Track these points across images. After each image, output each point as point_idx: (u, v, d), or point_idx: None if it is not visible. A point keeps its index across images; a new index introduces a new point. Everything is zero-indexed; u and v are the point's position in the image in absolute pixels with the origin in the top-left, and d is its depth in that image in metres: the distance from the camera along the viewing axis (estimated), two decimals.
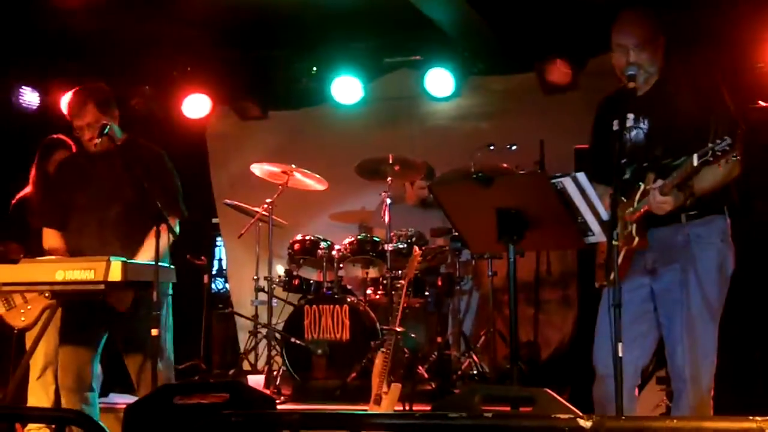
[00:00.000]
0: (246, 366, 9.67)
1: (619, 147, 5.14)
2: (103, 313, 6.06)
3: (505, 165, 8.94)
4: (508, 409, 4.90)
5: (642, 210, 5.33)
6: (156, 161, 6.42)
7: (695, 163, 4.93)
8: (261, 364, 9.56)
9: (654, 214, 5.29)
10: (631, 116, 5.38)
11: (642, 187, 5.36)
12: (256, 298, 9.59)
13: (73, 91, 6.44)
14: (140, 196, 6.05)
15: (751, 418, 2.95)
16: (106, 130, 6.09)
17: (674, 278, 5.41)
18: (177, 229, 6.29)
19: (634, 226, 5.39)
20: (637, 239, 5.39)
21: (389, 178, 8.99)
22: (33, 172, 7.94)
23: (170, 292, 6.38)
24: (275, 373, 8.89)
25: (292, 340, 8.83)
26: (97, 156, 6.29)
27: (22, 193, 7.98)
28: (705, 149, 4.86)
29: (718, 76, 5.47)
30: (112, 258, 5.63)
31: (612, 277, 4.90)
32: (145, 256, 6.04)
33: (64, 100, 10.00)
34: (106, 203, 6.17)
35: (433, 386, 8.54)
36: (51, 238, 6.46)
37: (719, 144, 4.81)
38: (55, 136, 8.00)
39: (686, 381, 5.36)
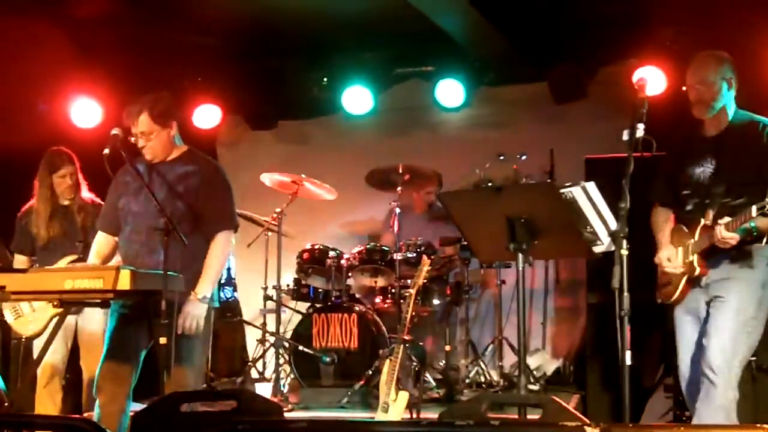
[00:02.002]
0: (254, 374, 9.66)
1: (628, 157, 5.23)
2: (148, 322, 6.05)
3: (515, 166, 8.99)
4: (516, 417, 4.90)
5: (707, 244, 5.72)
6: (209, 175, 6.39)
7: (753, 214, 5.39)
8: (269, 372, 9.55)
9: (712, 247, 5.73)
10: (641, 126, 5.40)
11: (702, 222, 5.79)
12: (265, 306, 9.58)
13: (136, 99, 6.41)
14: (188, 206, 6.10)
15: (759, 426, 2.95)
16: (118, 138, 6.08)
17: (722, 288, 5.84)
18: (233, 242, 6.32)
19: (696, 256, 5.80)
20: (699, 269, 5.82)
21: (399, 188, 9.00)
22: (36, 184, 7.91)
23: (215, 304, 6.42)
24: (283, 381, 8.88)
25: (300, 348, 8.83)
26: (153, 165, 6.29)
27: (27, 206, 7.96)
28: (763, 203, 5.34)
29: None
30: (121, 267, 5.63)
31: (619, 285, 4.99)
32: (209, 275, 6.12)
33: (76, 108, 10.15)
34: (157, 213, 6.13)
35: (441, 394, 8.54)
36: (101, 242, 6.48)
37: None
38: (56, 148, 7.97)
39: (715, 371, 5.69)
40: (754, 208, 5.37)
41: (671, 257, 5.96)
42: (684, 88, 6.02)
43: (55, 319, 6.18)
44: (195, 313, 6.04)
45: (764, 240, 5.74)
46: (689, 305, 5.99)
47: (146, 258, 6.07)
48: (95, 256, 6.40)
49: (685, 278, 5.88)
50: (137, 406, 6.76)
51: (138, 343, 6.19)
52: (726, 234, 5.57)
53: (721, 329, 5.74)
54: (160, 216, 5.95)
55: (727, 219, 5.59)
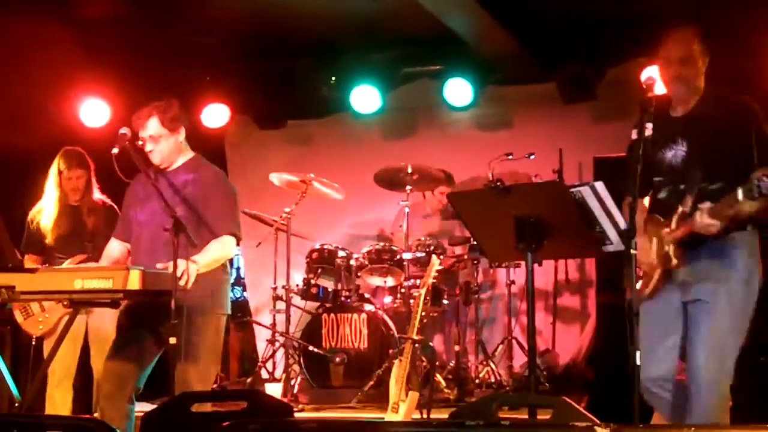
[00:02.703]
0: (264, 374, 9.66)
1: (638, 158, 5.18)
2: (158, 322, 6.05)
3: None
4: (526, 417, 4.90)
5: (686, 232, 5.41)
6: (212, 181, 6.39)
7: (740, 197, 5.04)
8: (279, 372, 9.56)
9: (693, 235, 5.39)
10: (650, 125, 5.37)
11: (680, 209, 5.44)
12: (274, 306, 9.58)
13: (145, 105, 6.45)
14: (191, 212, 6.10)
15: (765, 425, 2.94)
16: (125, 139, 6.10)
17: (704, 290, 5.49)
18: (234, 249, 6.32)
19: (672, 247, 5.47)
20: (675, 261, 5.48)
21: (408, 188, 9.01)
22: (47, 183, 7.93)
23: (227, 311, 6.43)
24: (293, 381, 8.89)
25: (310, 348, 8.84)
26: (160, 171, 6.31)
27: (37, 206, 7.97)
28: (749, 185, 4.97)
29: (755, 104, 5.56)
30: (131, 267, 5.64)
31: (633, 286, 4.96)
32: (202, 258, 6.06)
33: (85, 109, 10.18)
34: (162, 218, 6.16)
35: (451, 394, 8.54)
36: (112, 248, 6.50)
37: (765, 182, 4.92)
38: (67, 148, 7.99)
39: (703, 385, 5.40)
40: (740, 191, 5.05)
41: (645, 247, 5.56)
42: (658, 64, 5.73)
43: (65, 319, 6.18)
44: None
45: (748, 226, 5.49)
46: (662, 303, 5.62)
47: (151, 266, 6.08)
48: (105, 261, 6.44)
49: (659, 271, 5.56)
50: (146, 406, 6.78)
51: (144, 347, 6.21)
52: (708, 221, 5.25)
53: (707, 340, 5.43)
54: (165, 224, 5.97)
55: (708, 204, 5.27)
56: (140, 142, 6.24)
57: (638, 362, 4.86)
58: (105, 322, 7.46)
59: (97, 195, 7.89)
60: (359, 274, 9.26)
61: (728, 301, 5.45)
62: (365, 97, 10.68)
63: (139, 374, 6.21)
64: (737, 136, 5.44)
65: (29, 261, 7.73)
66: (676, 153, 5.60)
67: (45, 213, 7.79)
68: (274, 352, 9.55)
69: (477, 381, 9.06)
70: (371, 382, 8.44)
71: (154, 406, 4.72)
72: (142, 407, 6.37)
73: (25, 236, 7.84)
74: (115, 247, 6.49)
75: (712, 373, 5.42)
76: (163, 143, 6.26)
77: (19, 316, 7.43)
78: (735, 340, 5.48)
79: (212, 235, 6.13)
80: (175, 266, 5.71)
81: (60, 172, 7.81)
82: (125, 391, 6.16)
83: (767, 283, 5.67)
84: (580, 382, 9.41)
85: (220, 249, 6.15)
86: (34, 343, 7.50)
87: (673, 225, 5.47)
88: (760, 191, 4.94)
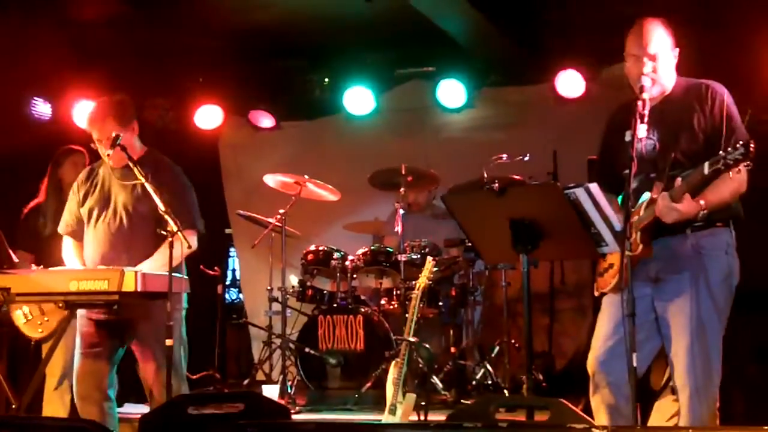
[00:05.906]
0: (260, 376, 9.66)
1: (631, 158, 5.17)
2: (120, 324, 6.08)
3: (517, 177, 8.94)
4: (523, 419, 4.91)
5: (650, 218, 5.29)
6: (172, 176, 6.42)
7: (705, 171, 4.94)
8: (275, 374, 9.56)
9: (660, 224, 5.27)
10: (643, 127, 5.37)
11: (649, 196, 5.34)
12: (270, 308, 9.57)
13: (96, 102, 6.49)
14: (151, 208, 6.07)
15: (765, 428, 2.95)
16: (118, 141, 6.12)
17: (679, 289, 5.38)
18: (195, 244, 6.32)
19: (639, 234, 5.33)
20: (641, 247, 5.33)
21: (402, 189, 9.00)
22: (45, 181, 7.97)
23: (185, 305, 6.40)
24: (290, 383, 8.89)
25: (307, 350, 8.84)
26: (115, 167, 6.32)
27: (33, 203, 8.00)
28: (716, 158, 4.87)
29: (725, 90, 5.49)
30: (126, 269, 5.65)
31: (626, 286, 4.94)
32: (151, 264, 6.07)
33: (78, 110, 10.16)
34: (118, 214, 6.20)
35: (448, 396, 8.53)
36: (69, 246, 6.51)
37: (731, 153, 4.83)
38: (68, 146, 8.03)
39: (691, 393, 5.31)
40: (706, 165, 4.92)
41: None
42: (627, 63, 5.59)
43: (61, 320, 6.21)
44: None
45: (729, 221, 5.41)
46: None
47: (107, 260, 6.19)
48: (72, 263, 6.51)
49: (625, 260, 5.16)
50: (143, 408, 6.79)
51: (108, 343, 6.25)
52: (668, 203, 5.11)
53: (690, 346, 5.28)
54: (126, 217, 6.11)
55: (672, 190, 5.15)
56: (94, 144, 6.29)
57: (635, 364, 4.85)
58: None
59: None
60: (355, 275, 9.25)
61: (706, 302, 5.34)
62: (359, 99, 10.71)
63: (109, 371, 6.26)
64: (708, 123, 5.36)
65: (24, 260, 7.73)
66: (648, 143, 5.51)
67: (45, 208, 7.81)
68: (271, 354, 9.55)
69: (474, 383, 9.04)
70: (368, 384, 8.42)
71: (151, 409, 4.73)
72: (140, 410, 6.38)
73: (20, 234, 7.85)
74: (73, 246, 6.54)
75: (698, 380, 5.30)
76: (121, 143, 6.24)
77: (18, 320, 7.41)
78: (717, 342, 5.35)
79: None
80: (171, 268, 5.73)
81: (58, 169, 7.85)
82: (101, 390, 6.21)
83: (765, 286, 5.60)
84: (577, 383, 9.39)
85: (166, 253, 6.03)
86: (33, 345, 7.49)
87: (642, 212, 5.35)
88: (726, 162, 4.84)
